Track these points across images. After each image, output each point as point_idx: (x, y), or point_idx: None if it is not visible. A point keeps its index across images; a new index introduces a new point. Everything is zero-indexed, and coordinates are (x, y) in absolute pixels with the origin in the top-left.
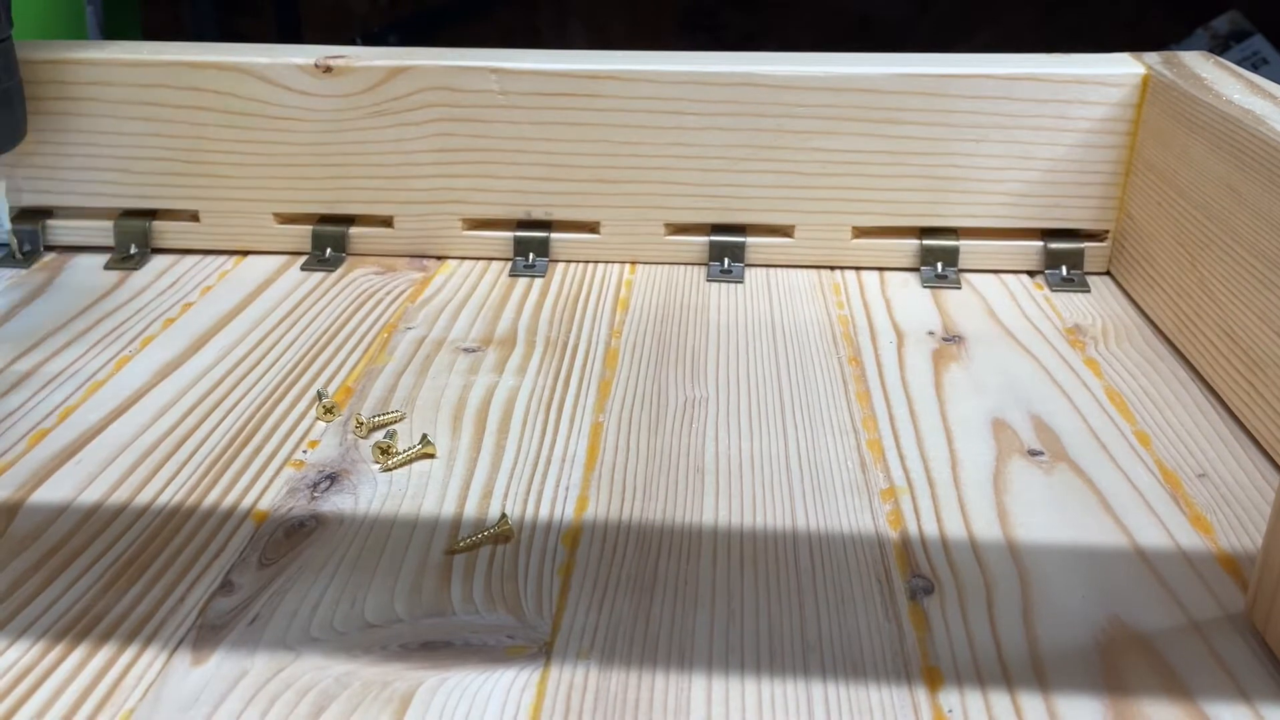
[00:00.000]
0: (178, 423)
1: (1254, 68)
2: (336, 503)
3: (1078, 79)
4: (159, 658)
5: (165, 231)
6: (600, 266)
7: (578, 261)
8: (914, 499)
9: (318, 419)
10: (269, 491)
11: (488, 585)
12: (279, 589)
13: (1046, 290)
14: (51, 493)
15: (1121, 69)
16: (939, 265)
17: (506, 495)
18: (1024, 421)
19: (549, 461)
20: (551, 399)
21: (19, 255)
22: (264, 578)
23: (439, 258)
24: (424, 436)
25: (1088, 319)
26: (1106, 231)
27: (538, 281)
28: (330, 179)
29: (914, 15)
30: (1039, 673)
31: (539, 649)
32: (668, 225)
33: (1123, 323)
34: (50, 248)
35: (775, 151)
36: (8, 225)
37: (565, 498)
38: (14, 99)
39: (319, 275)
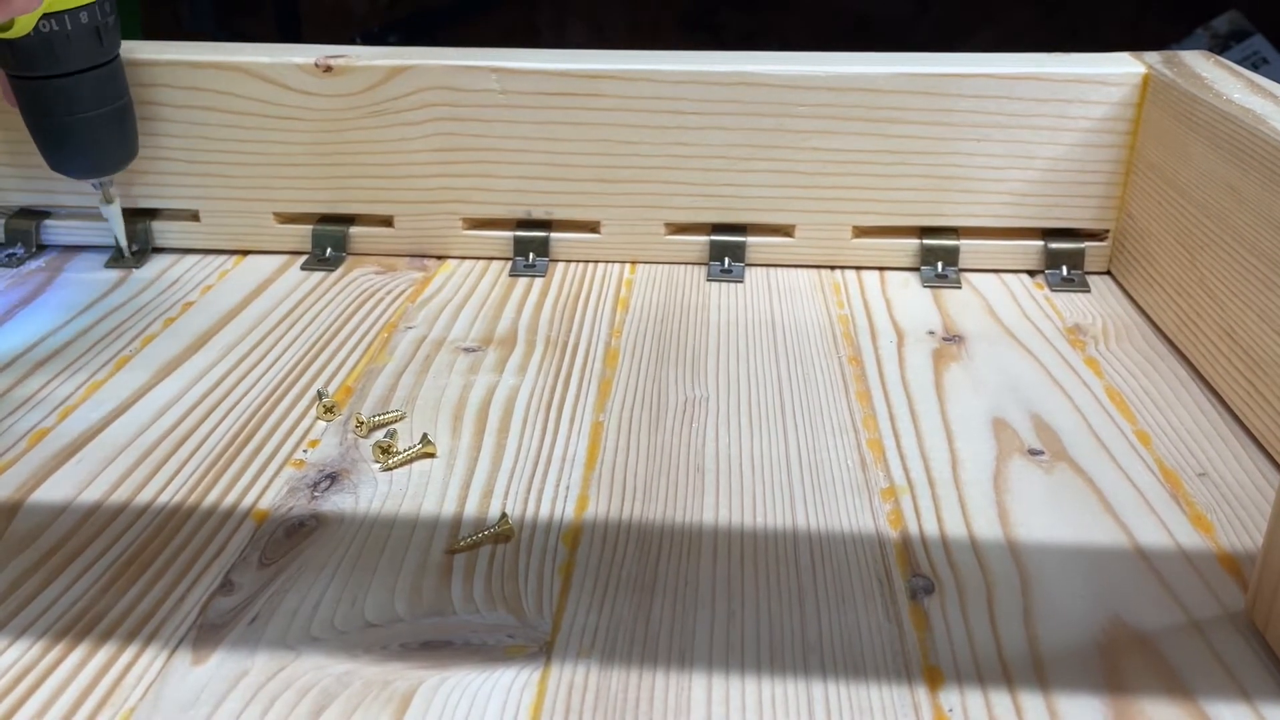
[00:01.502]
0: (178, 422)
1: (1254, 67)
2: (337, 502)
3: (1078, 78)
4: (159, 657)
5: (165, 231)
6: (600, 266)
7: (578, 261)
8: (914, 498)
9: (318, 418)
10: (269, 491)
11: (488, 585)
12: (279, 588)
13: (1047, 290)
14: (51, 492)
15: (1122, 68)
16: (939, 265)
17: (507, 495)
18: (1024, 421)
19: (549, 461)
20: (552, 399)
21: (128, 254)
22: (264, 577)
23: (439, 257)
24: (424, 436)
25: (1088, 318)
26: (1107, 231)
27: (538, 281)
28: (330, 179)
29: (914, 15)
30: (1039, 672)
31: (539, 648)
32: (668, 225)
33: (1123, 322)
34: (49, 247)
35: (775, 151)
36: (123, 239)
37: (565, 497)
38: (125, 117)
39: (319, 275)
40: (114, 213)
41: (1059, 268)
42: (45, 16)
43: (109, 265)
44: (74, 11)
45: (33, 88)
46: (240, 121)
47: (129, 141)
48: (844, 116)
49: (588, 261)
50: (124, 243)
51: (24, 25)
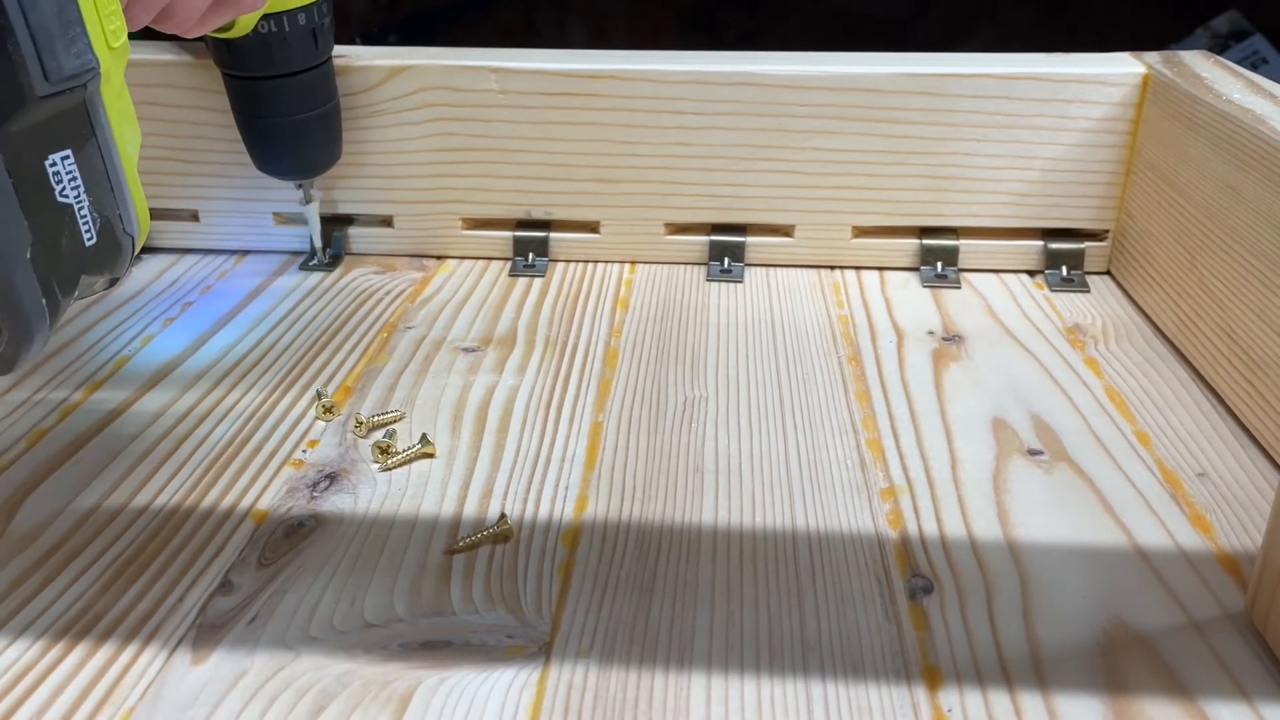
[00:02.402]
0: (177, 422)
1: (1254, 67)
2: (336, 502)
3: (1078, 78)
4: (159, 657)
5: (165, 231)
6: (600, 266)
7: (577, 261)
8: (914, 498)
9: (317, 418)
10: (268, 491)
11: (487, 585)
12: (278, 588)
13: (1046, 290)
14: (51, 492)
15: (1122, 68)
16: (939, 265)
17: (506, 495)
18: (1024, 421)
19: (548, 461)
20: (551, 398)
21: (324, 259)
22: (263, 577)
23: (439, 257)
24: (423, 436)
25: (1088, 318)
26: (1106, 231)
27: (537, 281)
28: (331, 178)
29: (914, 15)
30: (1039, 672)
31: (538, 648)
32: (667, 225)
33: (1123, 322)
34: None
35: (775, 151)
36: (318, 240)
37: (565, 497)
38: (332, 120)
39: (319, 275)
40: (312, 214)
41: (1059, 268)
42: (265, 17)
43: (302, 268)
44: (293, 13)
45: (245, 87)
46: None
47: (334, 144)
48: (844, 116)
49: (587, 261)
50: (319, 244)
51: (244, 26)
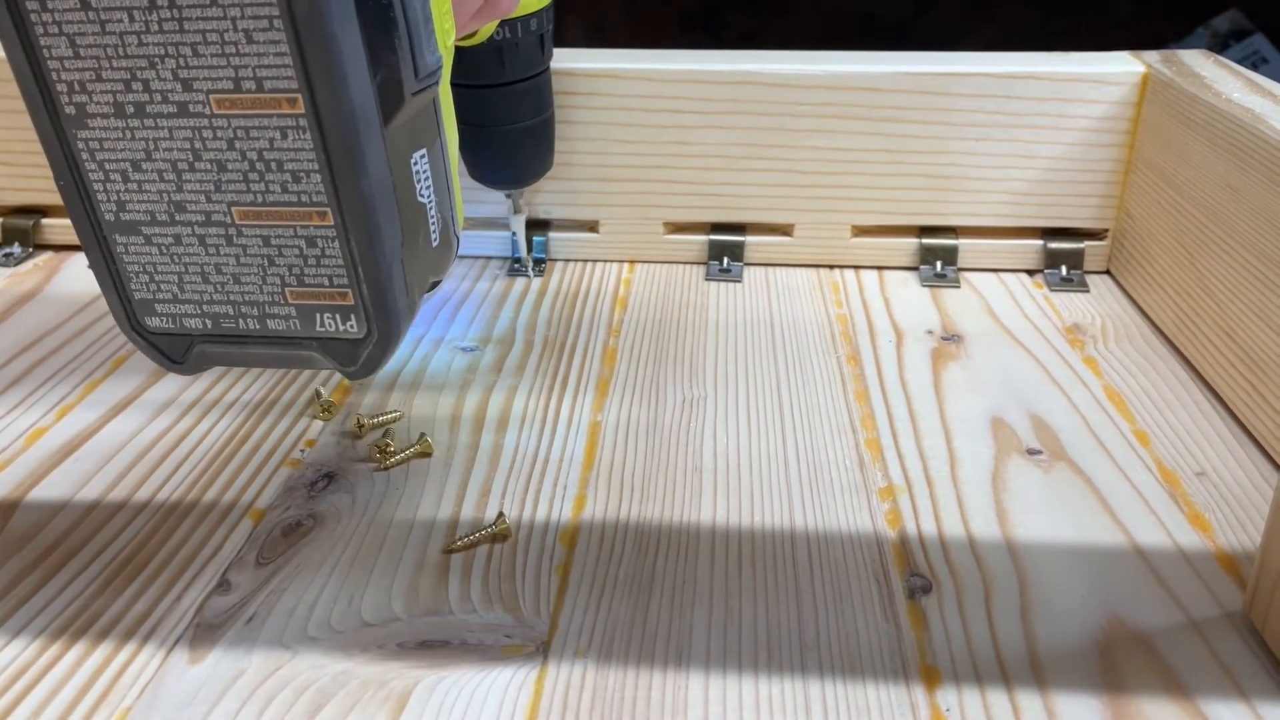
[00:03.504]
0: (175, 421)
1: (1254, 66)
2: (334, 502)
3: (1078, 77)
4: (156, 656)
5: None
6: (599, 265)
7: (576, 260)
8: (912, 498)
9: (315, 418)
10: (266, 490)
11: (485, 584)
12: (276, 588)
13: (1046, 289)
14: (49, 491)
15: (1121, 67)
16: (938, 264)
17: (504, 494)
18: (1023, 420)
19: (547, 460)
20: (549, 398)
21: (530, 272)
22: (261, 576)
23: None
24: (421, 435)
25: (1087, 318)
26: (1106, 230)
27: (536, 280)
28: None
29: (914, 15)
30: (1037, 671)
31: (536, 648)
32: (666, 224)
33: (1122, 322)
34: (46, 247)
35: (775, 150)
36: (523, 252)
37: (563, 497)
38: (549, 130)
39: None
40: (520, 224)
41: (1058, 267)
42: (501, 24)
43: (510, 275)
44: (525, 19)
45: (469, 96)
46: None
47: (548, 154)
48: (844, 116)
49: (586, 261)
50: (524, 253)
51: (485, 32)
